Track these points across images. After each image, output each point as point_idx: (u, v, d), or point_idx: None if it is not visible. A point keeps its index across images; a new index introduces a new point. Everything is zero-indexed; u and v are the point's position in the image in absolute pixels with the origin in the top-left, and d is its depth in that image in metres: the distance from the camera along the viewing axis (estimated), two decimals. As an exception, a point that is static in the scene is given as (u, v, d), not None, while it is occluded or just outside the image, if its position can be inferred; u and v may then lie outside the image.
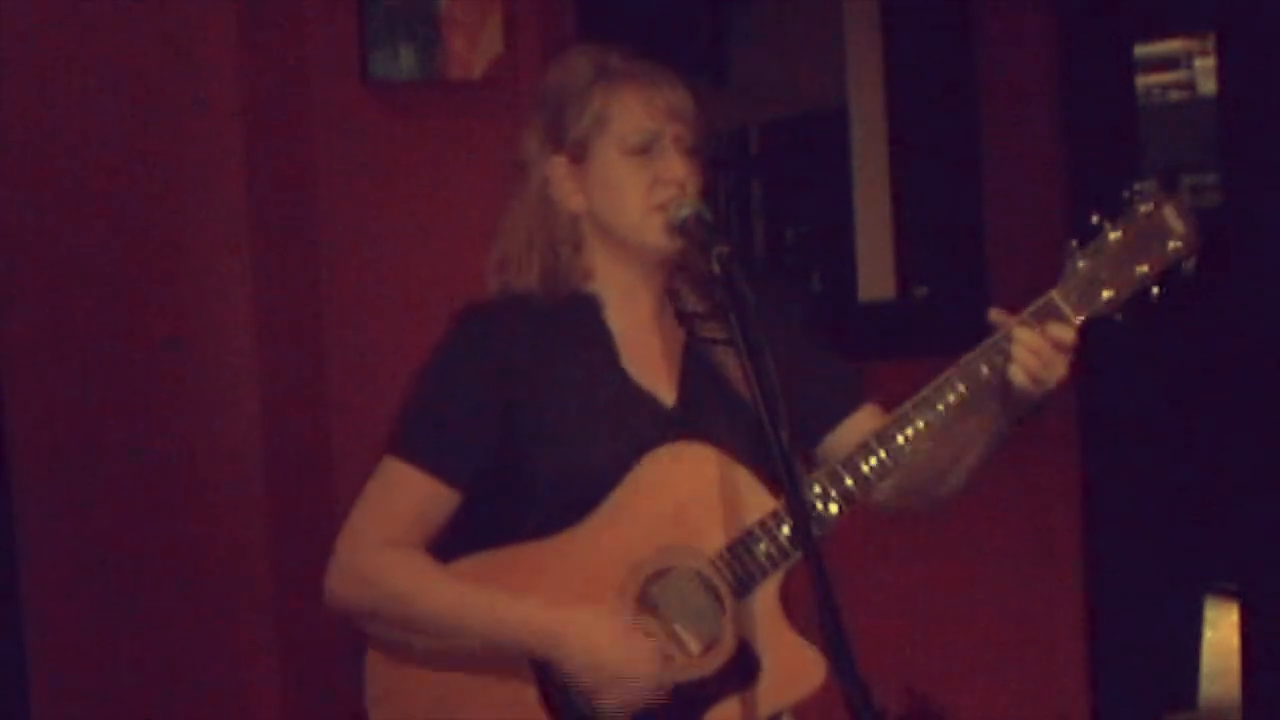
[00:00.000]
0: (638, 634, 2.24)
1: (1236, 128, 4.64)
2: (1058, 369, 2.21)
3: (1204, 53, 7.30)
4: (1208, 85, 7.26)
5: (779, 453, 2.09)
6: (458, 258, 3.52)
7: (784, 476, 2.12)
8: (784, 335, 2.32)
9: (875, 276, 4.51)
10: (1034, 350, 2.20)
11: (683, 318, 2.41)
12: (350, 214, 3.54)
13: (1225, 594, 5.68)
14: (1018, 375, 2.20)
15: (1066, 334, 2.21)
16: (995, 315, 2.24)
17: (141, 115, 3.45)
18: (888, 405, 2.37)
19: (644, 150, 2.32)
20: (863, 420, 2.38)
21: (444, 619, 2.28)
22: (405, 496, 2.32)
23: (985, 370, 2.24)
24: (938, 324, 4.38)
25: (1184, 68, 7.70)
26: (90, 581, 3.48)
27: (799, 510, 2.12)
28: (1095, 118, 4.63)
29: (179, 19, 3.44)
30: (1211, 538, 5.12)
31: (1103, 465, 4.63)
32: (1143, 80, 6.58)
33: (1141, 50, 5.85)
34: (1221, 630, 5.69)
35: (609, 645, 2.22)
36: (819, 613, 2.06)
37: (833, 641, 2.03)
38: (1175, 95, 7.74)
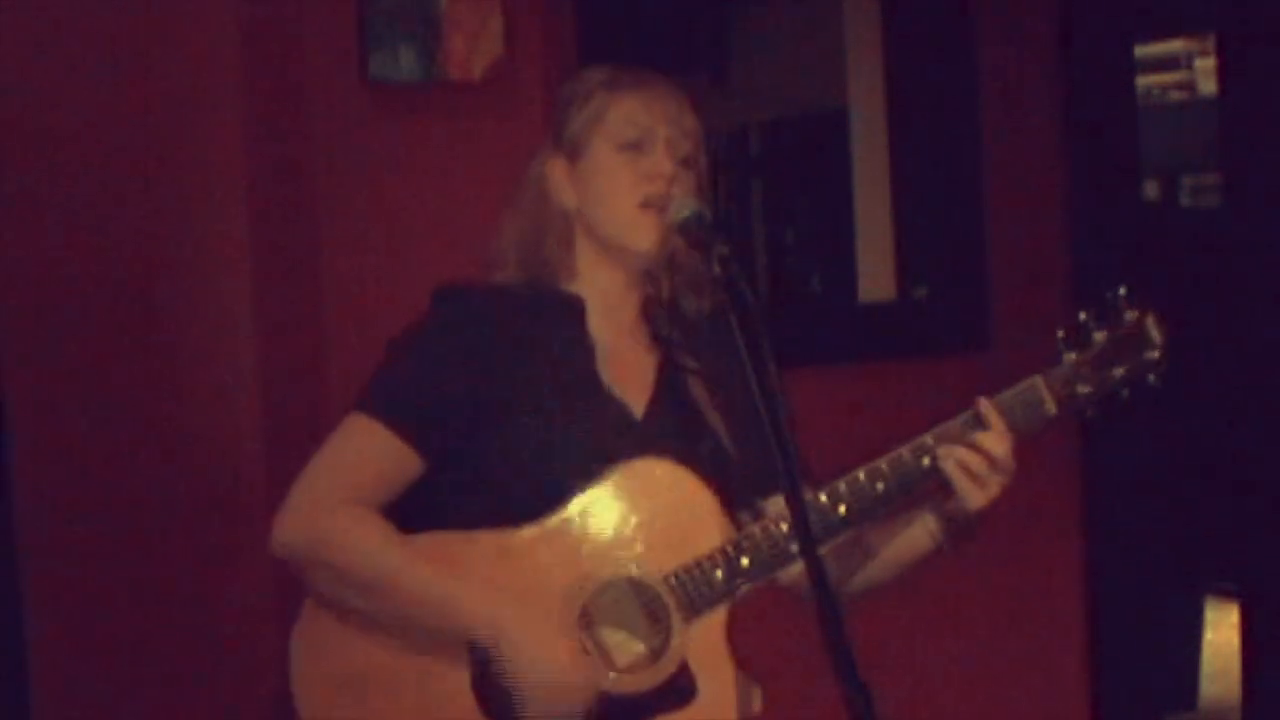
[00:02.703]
0: (578, 653, 2.23)
1: (1236, 128, 4.65)
2: (993, 484, 2.26)
3: (1204, 53, 7.31)
4: (1208, 85, 7.27)
5: (779, 450, 2.09)
6: (457, 258, 3.53)
7: (783, 474, 2.11)
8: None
9: (875, 277, 4.50)
10: (964, 464, 2.24)
11: (658, 341, 2.43)
12: (350, 214, 3.53)
13: (1225, 594, 5.69)
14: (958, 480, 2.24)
15: (996, 446, 2.25)
16: (982, 404, 2.27)
17: (141, 115, 3.45)
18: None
19: (635, 146, 2.36)
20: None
21: (390, 583, 2.26)
22: (368, 453, 2.32)
23: (923, 461, 2.27)
24: (938, 324, 4.38)
25: (1184, 68, 7.71)
26: (90, 580, 3.48)
27: (798, 509, 2.12)
28: (1095, 118, 4.63)
29: (178, 18, 3.44)
30: (1211, 538, 5.12)
31: (1103, 465, 4.63)
32: (1143, 80, 6.58)
33: (1141, 50, 5.85)
34: (1221, 630, 5.69)
35: (549, 658, 2.21)
36: (819, 612, 2.06)
37: (833, 643, 2.03)
38: (1175, 95, 7.75)
